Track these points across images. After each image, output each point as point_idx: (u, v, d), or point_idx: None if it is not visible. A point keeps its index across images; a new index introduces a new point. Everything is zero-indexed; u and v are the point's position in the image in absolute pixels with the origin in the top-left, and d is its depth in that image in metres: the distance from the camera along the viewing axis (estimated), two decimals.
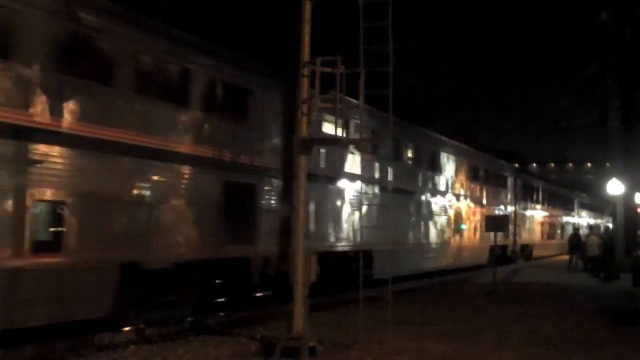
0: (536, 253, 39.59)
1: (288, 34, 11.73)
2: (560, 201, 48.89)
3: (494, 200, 30.46)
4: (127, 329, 11.11)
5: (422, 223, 23.17)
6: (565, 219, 51.65)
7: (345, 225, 17.51)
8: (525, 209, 37.30)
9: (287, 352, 9.22)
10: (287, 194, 14.41)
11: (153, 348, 9.98)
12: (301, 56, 9.84)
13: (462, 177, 26.91)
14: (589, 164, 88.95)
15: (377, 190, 19.44)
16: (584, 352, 10.23)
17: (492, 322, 12.89)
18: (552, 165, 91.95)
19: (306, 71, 9.82)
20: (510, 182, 33.76)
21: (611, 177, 30.87)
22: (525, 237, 37.03)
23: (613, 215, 32.48)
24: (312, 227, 15.45)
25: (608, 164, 39.21)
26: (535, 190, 40.19)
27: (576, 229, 43.57)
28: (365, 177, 18.44)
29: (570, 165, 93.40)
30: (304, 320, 9.58)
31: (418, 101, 35.43)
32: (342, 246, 17.40)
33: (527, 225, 38.33)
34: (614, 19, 29.12)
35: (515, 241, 33.93)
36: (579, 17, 29.78)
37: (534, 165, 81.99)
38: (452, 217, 25.90)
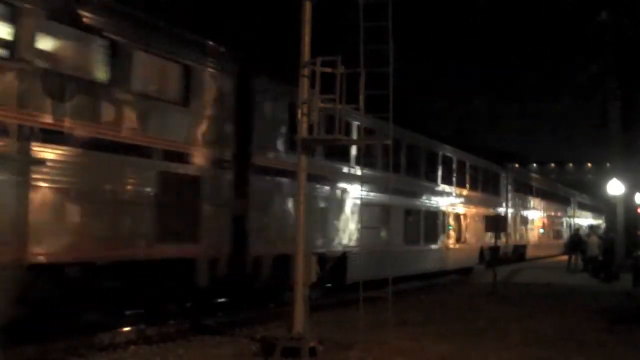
0: (355, 275, 16.50)
1: (288, 34, 11.74)
2: (462, 175, 27.18)
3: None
4: (127, 329, 11.12)
5: None
6: (477, 207, 28.74)
7: None
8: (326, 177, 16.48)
9: (287, 352, 9.22)
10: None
11: (153, 348, 9.98)
12: (301, 56, 9.85)
13: None
14: (589, 164, 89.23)
15: None
16: (584, 352, 10.22)
17: (492, 322, 12.89)
18: (552, 165, 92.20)
19: (306, 71, 9.82)
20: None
21: (611, 177, 30.91)
22: (325, 238, 16.37)
23: (606, 212, 32.46)
24: None
25: (608, 164, 39.19)
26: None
27: (576, 228, 42.48)
28: None
29: (570, 165, 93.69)
30: (304, 320, 9.58)
31: (417, 100, 35.37)
32: None
33: (341, 212, 17.23)
34: (614, 19, 29.14)
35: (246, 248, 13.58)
36: (579, 17, 29.78)
37: (534, 165, 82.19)
38: None
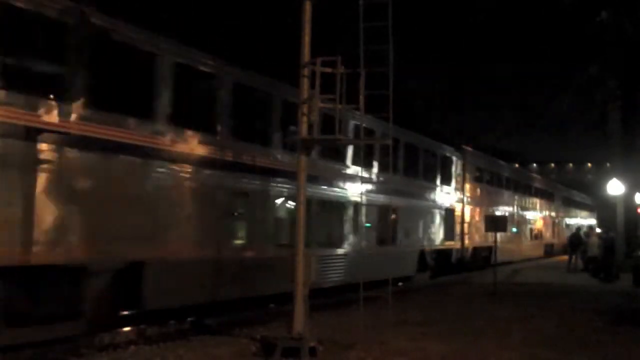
0: (161, 296, 11.43)
1: (288, 34, 11.74)
2: (392, 156, 19.36)
3: None
4: (127, 329, 11.12)
5: None
6: (415, 198, 22.45)
7: None
8: None
9: (287, 352, 9.23)
10: None
11: (153, 348, 9.99)
12: (301, 56, 9.85)
13: None
14: (589, 164, 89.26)
15: None
16: (584, 352, 10.23)
17: (492, 322, 12.90)
18: (552, 165, 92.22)
19: (306, 71, 9.82)
20: None
21: (611, 177, 30.93)
22: (102, 239, 10.14)
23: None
24: None
25: (608, 164, 39.19)
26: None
27: (577, 228, 41.82)
28: None
29: (570, 165, 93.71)
30: (304, 320, 9.58)
31: (418, 101, 35.24)
32: None
33: (142, 199, 11.02)
34: (614, 19, 29.16)
35: None
36: (579, 17, 29.79)
37: (534, 165, 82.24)
38: None
